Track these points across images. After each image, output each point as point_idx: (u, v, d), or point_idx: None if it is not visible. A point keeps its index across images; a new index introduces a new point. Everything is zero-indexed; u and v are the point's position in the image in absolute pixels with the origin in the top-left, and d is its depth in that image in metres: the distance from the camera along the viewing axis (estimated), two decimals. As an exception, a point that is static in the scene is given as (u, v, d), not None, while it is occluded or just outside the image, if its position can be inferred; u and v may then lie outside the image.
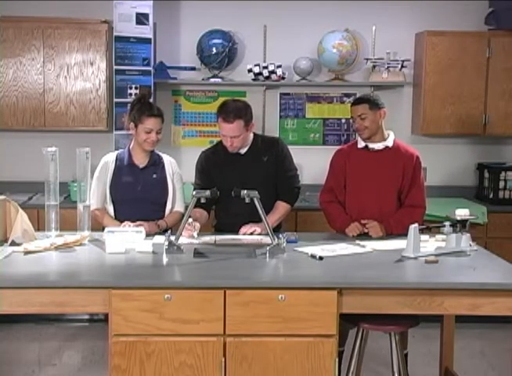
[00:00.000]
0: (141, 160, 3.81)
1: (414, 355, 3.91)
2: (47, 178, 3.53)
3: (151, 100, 4.85)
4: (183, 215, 3.64)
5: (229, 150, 3.77)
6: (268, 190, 3.77)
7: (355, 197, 3.80)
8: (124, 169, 3.78)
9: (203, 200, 3.47)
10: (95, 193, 3.76)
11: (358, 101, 3.81)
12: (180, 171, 3.94)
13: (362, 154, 3.81)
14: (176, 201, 3.84)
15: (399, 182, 3.76)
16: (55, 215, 3.54)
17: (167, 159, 3.89)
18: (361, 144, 3.83)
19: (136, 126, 3.72)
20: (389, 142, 3.79)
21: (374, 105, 3.74)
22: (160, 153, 3.90)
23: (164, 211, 3.79)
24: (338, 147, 4.07)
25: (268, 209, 3.67)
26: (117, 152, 3.91)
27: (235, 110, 3.68)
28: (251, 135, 3.86)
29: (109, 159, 3.82)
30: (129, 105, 3.91)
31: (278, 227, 3.87)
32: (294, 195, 3.94)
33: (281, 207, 3.86)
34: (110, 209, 3.76)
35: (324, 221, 3.93)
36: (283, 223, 3.98)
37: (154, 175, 3.80)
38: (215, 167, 3.84)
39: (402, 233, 3.42)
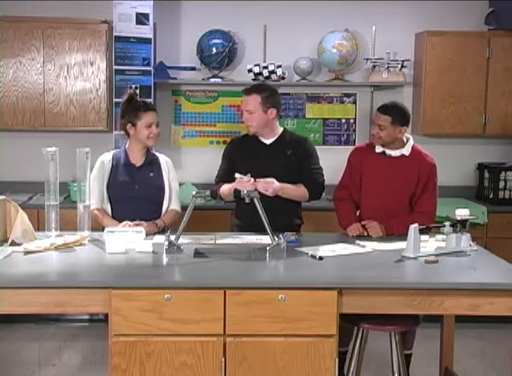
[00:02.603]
0: (137, 160, 3.81)
1: (414, 355, 3.90)
2: (47, 178, 3.53)
3: (151, 100, 4.87)
4: (179, 213, 3.73)
5: (248, 131, 3.81)
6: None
7: (368, 199, 3.79)
8: (120, 168, 3.79)
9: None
10: (94, 194, 3.75)
11: (384, 111, 3.72)
12: (176, 170, 3.95)
13: (379, 159, 3.78)
14: (172, 200, 3.84)
15: (412, 189, 3.74)
16: (55, 215, 3.54)
17: (162, 158, 3.90)
18: (379, 149, 3.78)
19: (134, 125, 3.72)
20: (406, 151, 3.75)
21: (397, 121, 3.68)
22: (156, 153, 3.92)
23: (161, 210, 3.80)
24: (357, 145, 4.02)
25: (278, 209, 3.60)
26: (112, 152, 3.92)
27: (257, 85, 3.88)
28: (280, 129, 3.89)
29: (106, 159, 3.83)
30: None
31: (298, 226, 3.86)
32: (316, 187, 3.83)
33: (300, 186, 3.78)
34: (108, 208, 3.76)
35: (325, 221, 3.95)
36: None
37: (151, 174, 3.81)
38: (240, 153, 3.87)
39: (403, 234, 3.42)
